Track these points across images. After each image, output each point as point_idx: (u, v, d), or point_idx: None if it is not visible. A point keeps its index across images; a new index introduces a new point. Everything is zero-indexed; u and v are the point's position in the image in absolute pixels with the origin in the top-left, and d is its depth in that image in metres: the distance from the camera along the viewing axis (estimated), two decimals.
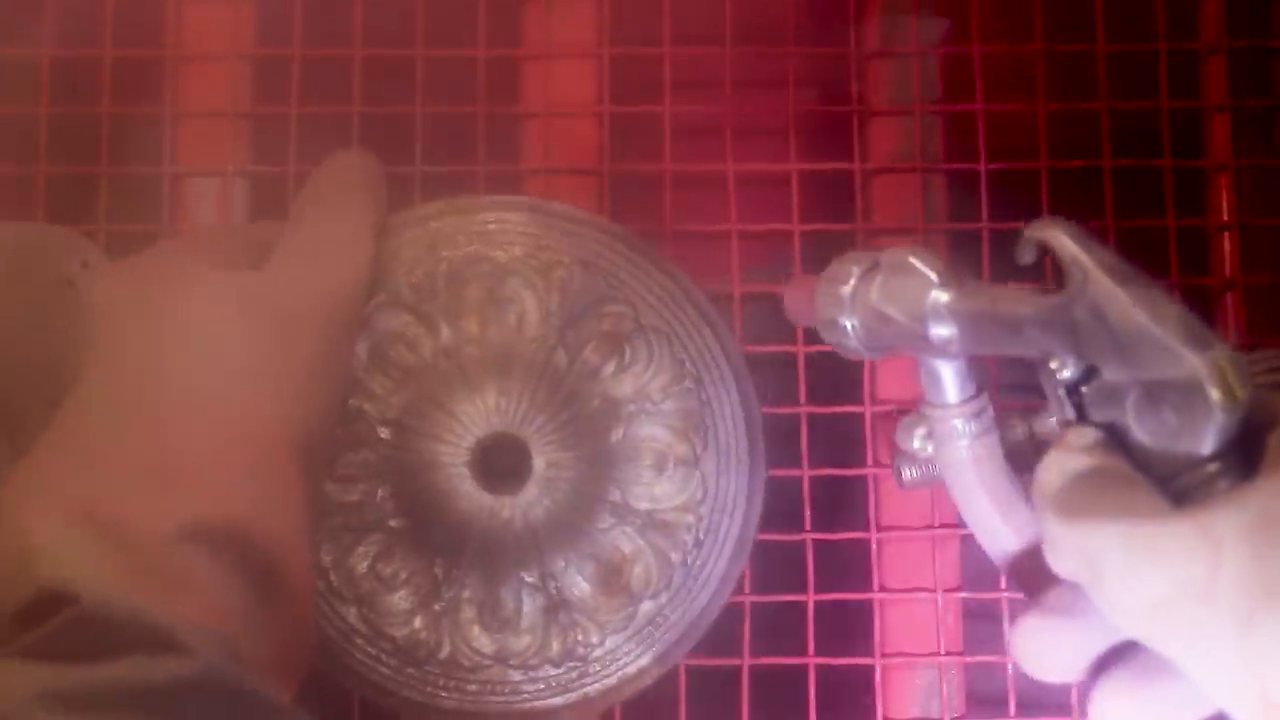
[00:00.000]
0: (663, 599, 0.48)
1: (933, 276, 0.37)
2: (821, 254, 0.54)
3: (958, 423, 0.39)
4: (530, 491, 0.47)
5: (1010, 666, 0.52)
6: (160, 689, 0.33)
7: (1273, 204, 0.56)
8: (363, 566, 0.47)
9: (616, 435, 0.48)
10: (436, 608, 0.47)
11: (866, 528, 0.52)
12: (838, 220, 0.55)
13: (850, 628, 0.53)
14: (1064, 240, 0.33)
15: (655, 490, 0.48)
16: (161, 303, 0.41)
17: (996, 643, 0.51)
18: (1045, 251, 0.33)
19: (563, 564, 0.47)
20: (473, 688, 0.47)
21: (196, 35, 0.55)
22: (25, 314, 0.50)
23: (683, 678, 0.51)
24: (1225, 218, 0.56)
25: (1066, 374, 0.34)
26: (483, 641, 0.47)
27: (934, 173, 0.55)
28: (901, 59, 0.56)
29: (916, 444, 0.41)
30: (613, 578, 0.48)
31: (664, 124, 0.55)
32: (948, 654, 0.52)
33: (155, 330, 0.41)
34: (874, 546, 0.52)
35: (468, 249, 0.48)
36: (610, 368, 0.48)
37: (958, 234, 0.55)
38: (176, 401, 0.40)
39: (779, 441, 0.52)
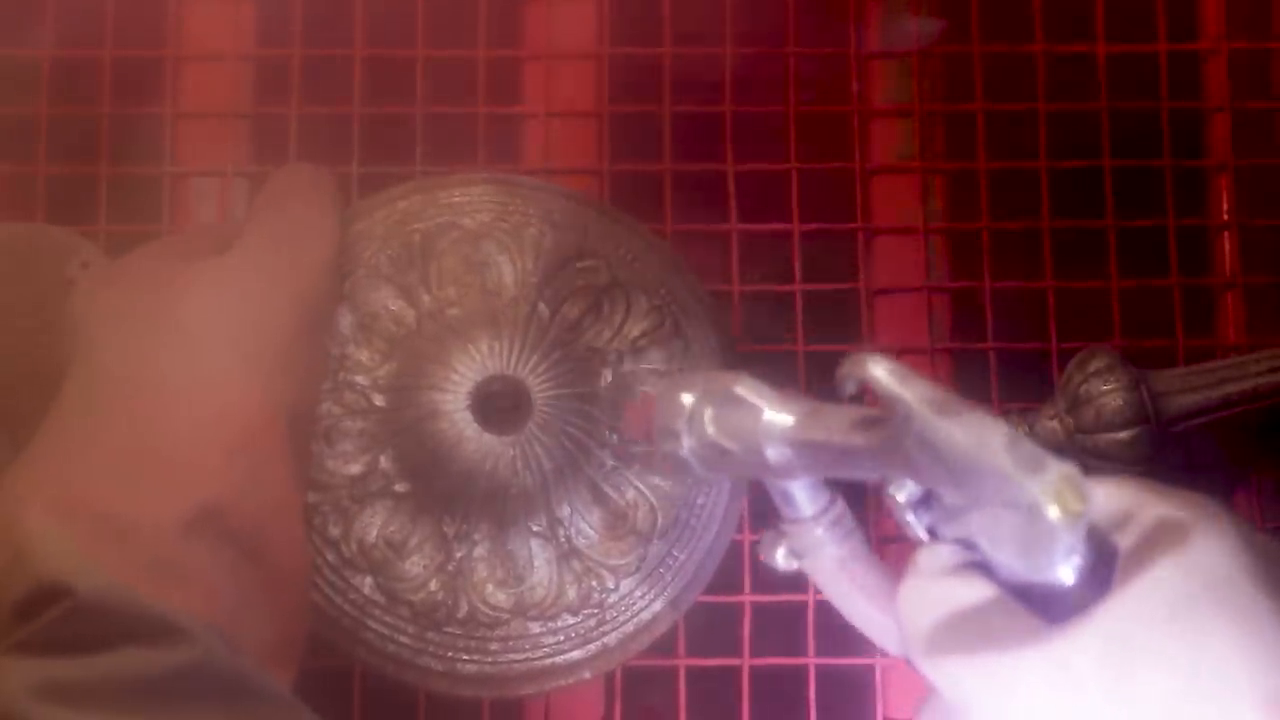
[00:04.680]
0: (670, 539, 0.49)
1: (762, 405, 0.36)
2: (821, 256, 0.54)
3: (819, 532, 0.39)
4: (532, 430, 0.48)
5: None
6: (157, 679, 0.33)
7: (1273, 204, 0.56)
8: (373, 535, 0.47)
9: (606, 379, 0.49)
10: (450, 568, 0.47)
11: (867, 526, 0.52)
12: (838, 220, 0.55)
13: (850, 628, 0.53)
14: (881, 377, 0.32)
15: None
16: (136, 300, 0.42)
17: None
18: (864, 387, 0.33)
19: (569, 510, 0.48)
20: (494, 646, 0.47)
21: (196, 35, 0.55)
22: (25, 314, 0.50)
23: (683, 678, 0.51)
24: (1225, 218, 0.56)
25: (904, 496, 0.34)
26: (499, 597, 0.47)
27: (934, 173, 0.55)
28: (901, 59, 0.56)
29: (781, 561, 0.40)
30: (619, 521, 0.48)
31: (664, 124, 0.55)
32: None
33: (131, 327, 0.41)
34: (874, 546, 0.52)
35: (438, 220, 0.49)
36: (590, 319, 0.49)
37: (957, 234, 0.55)
38: (155, 391, 0.40)
39: None
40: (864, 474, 0.34)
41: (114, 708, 0.33)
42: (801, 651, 0.51)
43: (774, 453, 0.36)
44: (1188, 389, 0.49)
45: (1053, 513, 0.29)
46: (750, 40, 0.55)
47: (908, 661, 0.36)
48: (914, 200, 0.55)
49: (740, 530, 0.51)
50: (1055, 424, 0.49)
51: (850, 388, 0.34)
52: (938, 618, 0.33)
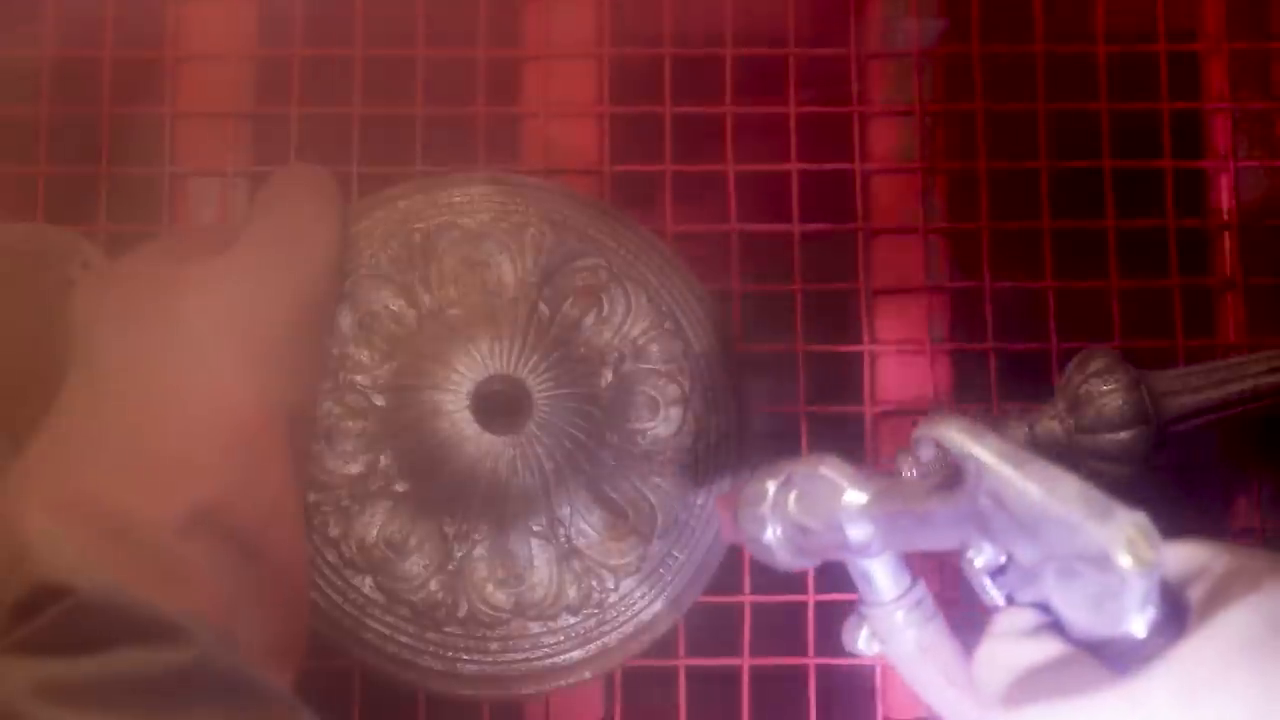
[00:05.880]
0: (670, 539, 0.49)
1: (844, 483, 0.38)
2: (821, 256, 0.54)
3: (900, 615, 0.39)
4: (532, 430, 0.48)
5: None
6: (157, 679, 0.33)
7: (1273, 204, 0.56)
8: (373, 535, 0.47)
9: (606, 379, 0.49)
10: (450, 568, 0.47)
11: None
12: (838, 220, 0.55)
13: None
14: (953, 436, 0.33)
15: (651, 431, 0.49)
16: (136, 300, 0.42)
17: None
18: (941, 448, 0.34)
19: (569, 510, 0.48)
20: (494, 646, 0.47)
21: (196, 35, 0.55)
22: (26, 315, 0.50)
23: (683, 678, 0.51)
24: (1225, 218, 0.56)
25: (982, 561, 0.34)
26: (499, 597, 0.47)
27: (934, 173, 0.55)
28: (901, 59, 0.56)
29: (863, 645, 0.41)
30: (619, 521, 0.48)
31: (664, 124, 0.55)
32: None
33: (131, 327, 0.41)
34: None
35: (438, 220, 0.49)
36: (590, 319, 0.49)
37: (957, 234, 0.55)
38: (154, 391, 0.40)
39: (779, 442, 0.52)
40: (941, 542, 0.35)
41: (113, 707, 0.33)
42: (801, 651, 0.51)
43: (854, 528, 0.37)
44: (1188, 389, 0.49)
45: (1124, 560, 0.30)
46: (750, 40, 0.55)
47: None
48: (914, 200, 0.55)
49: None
50: (1055, 424, 0.49)
51: (926, 451, 0.35)
52: (1013, 675, 0.34)
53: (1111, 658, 0.32)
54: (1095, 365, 0.49)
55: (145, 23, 0.54)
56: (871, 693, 0.52)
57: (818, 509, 0.39)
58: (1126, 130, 0.55)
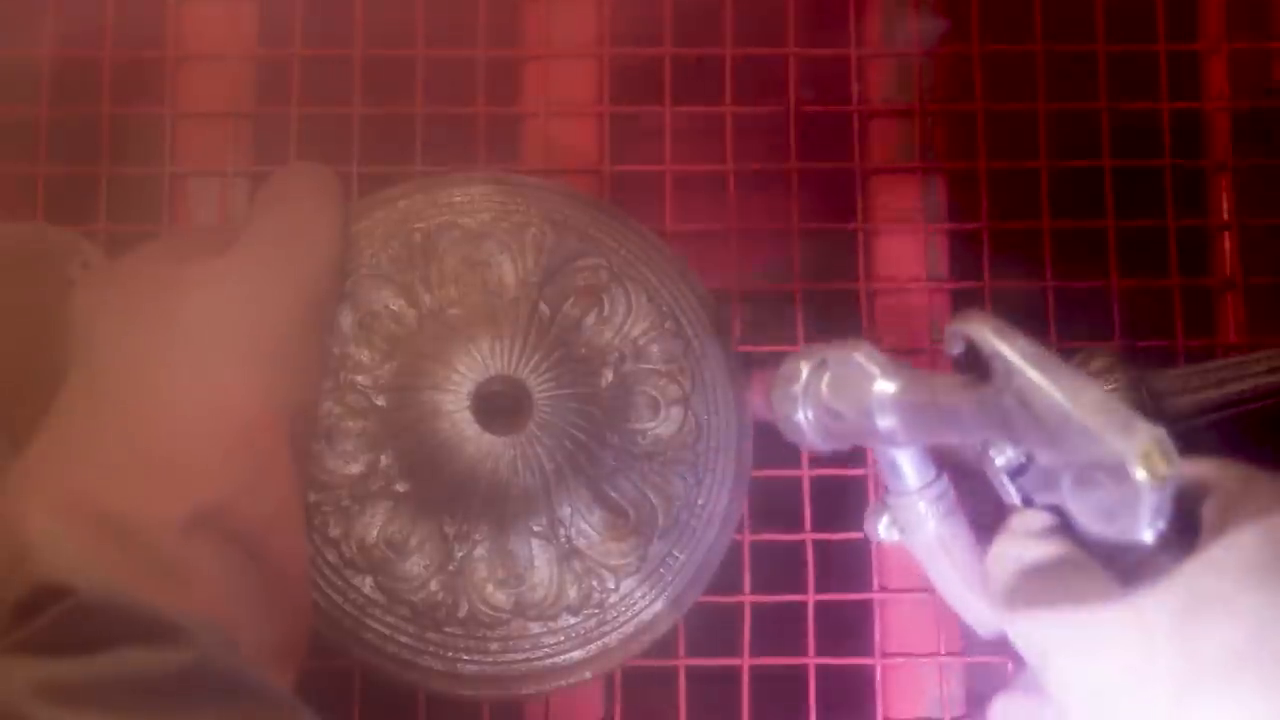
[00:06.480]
0: (670, 539, 0.49)
1: (876, 371, 0.38)
2: (821, 256, 0.54)
3: (922, 506, 0.40)
4: (532, 431, 0.48)
5: (1010, 666, 0.51)
6: (157, 679, 0.33)
7: (1273, 204, 0.56)
8: (373, 535, 0.47)
9: (607, 379, 0.49)
10: (451, 568, 0.47)
11: None
12: (838, 220, 0.55)
13: (850, 628, 0.53)
14: (985, 334, 0.34)
15: (651, 431, 0.49)
16: (137, 300, 0.42)
17: (997, 642, 0.51)
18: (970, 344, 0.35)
19: (569, 510, 0.48)
20: (494, 646, 0.47)
21: (196, 35, 0.55)
22: (25, 314, 0.50)
23: (683, 678, 0.51)
24: (1225, 218, 0.56)
25: (1003, 460, 0.36)
26: (499, 597, 0.47)
27: (934, 173, 0.55)
28: (901, 59, 0.56)
29: (883, 532, 0.42)
30: (620, 521, 0.48)
31: (664, 124, 0.55)
32: (948, 654, 0.52)
33: (132, 327, 0.41)
34: (874, 546, 0.52)
35: (438, 219, 0.49)
36: (591, 319, 0.49)
37: (957, 234, 0.55)
38: (155, 392, 0.40)
39: (779, 441, 0.52)
40: (964, 436, 0.36)
41: (113, 708, 0.33)
42: (801, 651, 0.51)
43: (882, 417, 0.38)
44: (1187, 389, 0.49)
45: (1139, 474, 0.30)
46: (750, 40, 0.55)
47: (999, 639, 0.37)
48: (914, 200, 0.55)
49: (740, 530, 0.51)
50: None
51: (956, 345, 0.35)
52: (1021, 572, 0.34)
53: (1121, 568, 0.32)
54: (1095, 365, 0.49)
55: (145, 23, 0.54)
56: (871, 693, 0.52)
57: (849, 394, 0.39)
58: (1126, 130, 0.55)
